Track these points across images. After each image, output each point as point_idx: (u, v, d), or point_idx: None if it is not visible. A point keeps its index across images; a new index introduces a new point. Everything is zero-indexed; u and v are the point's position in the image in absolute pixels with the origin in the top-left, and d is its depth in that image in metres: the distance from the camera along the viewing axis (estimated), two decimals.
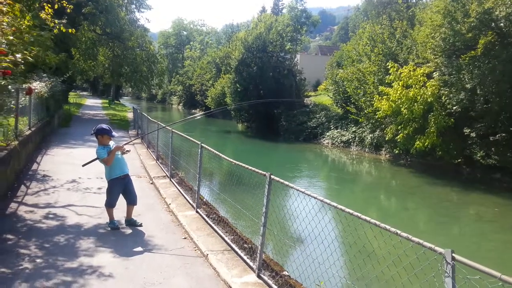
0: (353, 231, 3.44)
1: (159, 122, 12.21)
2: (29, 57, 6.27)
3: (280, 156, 26.96)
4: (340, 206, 3.44)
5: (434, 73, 20.15)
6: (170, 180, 9.38)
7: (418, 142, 19.25)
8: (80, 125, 22.51)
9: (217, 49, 50.60)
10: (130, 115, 32.96)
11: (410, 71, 20.64)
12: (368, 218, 3.12)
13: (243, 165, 5.07)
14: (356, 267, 3.67)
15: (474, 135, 18.27)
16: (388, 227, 2.91)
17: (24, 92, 8.91)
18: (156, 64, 36.24)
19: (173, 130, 9.64)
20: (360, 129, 27.07)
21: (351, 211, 3.28)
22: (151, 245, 5.67)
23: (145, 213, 7.13)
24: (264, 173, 4.57)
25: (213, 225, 6.17)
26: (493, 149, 17.67)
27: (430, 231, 12.48)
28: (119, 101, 65.45)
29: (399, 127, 20.67)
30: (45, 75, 15.58)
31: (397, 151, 22.07)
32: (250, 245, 5.36)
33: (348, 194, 17.38)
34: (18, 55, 5.99)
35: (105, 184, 6.67)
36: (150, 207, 7.57)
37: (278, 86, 36.27)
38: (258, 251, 4.54)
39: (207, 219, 6.47)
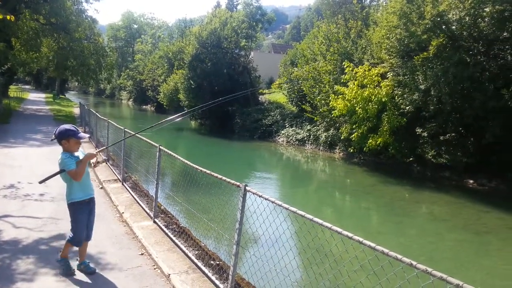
0: (308, 234, 3.06)
1: (109, 120, 11.31)
2: None
3: (235, 154, 26.52)
4: (308, 216, 3.03)
5: (389, 73, 20.49)
6: (123, 184, 8.63)
7: (371, 141, 19.51)
8: (21, 121, 20.84)
9: (169, 44, 49.10)
10: (76, 110, 31.20)
11: (365, 71, 20.89)
12: (320, 221, 2.76)
13: (215, 174, 4.52)
14: (311, 271, 3.29)
15: (426, 134, 18.73)
16: (346, 233, 2.55)
17: None
18: (105, 58, 34.45)
19: (125, 129, 8.88)
20: (315, 127, 27.19)
21: (310, 216, 2.89)
22: (102, 264, 5.01)
23: (95, 224, 6.40)
24: (238, 184, 4.06)
25: (174, 238, 5.58)
26: (443, 148, 18.20)
27: (387, 231, 12.52)
28: (65, 95, 62.15)
29: (354, 126, 20.88)
30: None
31: (351, 150, 22.29)
32: (217, 262, 4.86)
33: (303, 194, 17.25)
34: None
35: (49, 190, 5.78)
36: (101, 217, 6.82)
37: (233, 83, 35.78)
38: (231, 273, 4.04)
39: (166, 230, 5.87)
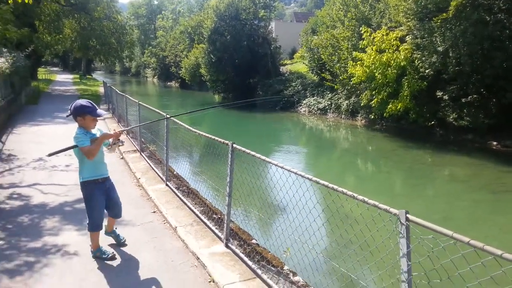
0: (313, 196, 3.37)
1: (128, 97, 11.83)
2: None
3: (257, 126, 26.87)
4: (300, 173, 3.35)
5: (407, 36, 20.10)
6: (141, 154, 9.18)
7: (391, 106, 19.39)
8: (48, 101, 21.78)
9: (189, 18, 49.09)
10: (101, 89, 32.05)
11: (383, 35, 20.55)
12: (326, 183, 3.05)
13: (206, 134, 4.93)
14: (317, 232, 3.63)
15: (447, 97, 18.47)
16: (345, 190, 2.84)
17: None
18: (125, 36, 34.97)
19: (139, 102, 9.35)
20: (336, 96, 27.08)
21: (309, 176, 3.20)
22: (119, 220, 5.52)
23: None
24: (227, 142, 4.44)
25: (182, 197, 6.06)
26: (465, 110, 17.94)
27: (405, 193, 12.72)
28: (91, 75, 63.61)
29: (374, 92, 20.74)
30: (5, 50, 14.81)
31: (372, 117, 22.22)
32: (219, 216, 5.30)
33: (326, 161, 17.50)
34: None
35: (74, 161, 6.07)
36: (120, 183, 7.35)
37: (253, 55, 35.77)
38: (225, 221, 4.46)
39: (176, 192, 6.35)
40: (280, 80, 34.38)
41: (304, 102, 29.79)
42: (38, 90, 27.71)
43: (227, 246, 4.47)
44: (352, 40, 23.73)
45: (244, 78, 35.12)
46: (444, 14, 17.14)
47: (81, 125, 4.22)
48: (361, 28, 21.67)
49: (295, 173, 3.41)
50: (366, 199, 2.64)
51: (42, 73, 47.91)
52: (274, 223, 5.71)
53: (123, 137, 4.60)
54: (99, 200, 4.38)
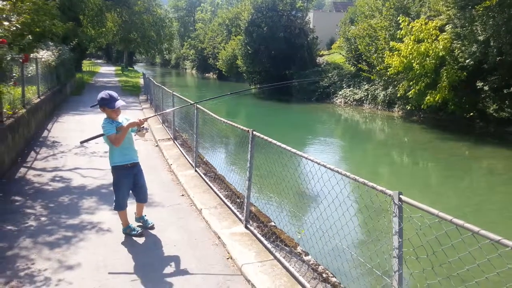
0: (328, 182, 3.55)
1: (163, 87, 12.33)
2: (17, 25, 6.34)
3: (293, 117, 26.94)
4: (310, 158, 3.55)
5: (447, 26, 19.53)
6: (174, 142, 9.61)
7: (429, 97, 18.97)
8: (92, 92, 22.80)
9: (227, 10, 49.57)
10: (142, 81, 33.14)
11: (421, 24, 20.05)
12: (332, 167, 3.24)
13: (229, 122, 5.20)
14: (328, 216, 3.83)
15: (487, 88, 17.87)
16: (348, 173, 3.03)
17: (20, 60, 9.10)
18: (164, 29, 35.85)
19: (173, 93, 9.76)
20: (373, 86, 26.71)
21: (323, 162, 3.40)
22: (150, 202, 5.92)
23: (147, 174, 7.35)
24: (247, 129, 4.70)
25: (209, 182, 6.39)
26: (507, 102, 17.32)
27: (438, 185, 12.55)
28: (133, 67, 65.57)
29: (411, 83, 20.34)
30: (52, 44, 15.72)
31: (409, 107, 21.81)
32: (241, 200, 5.57)
33: (361, 152, 17.43)
34: (6, 23, 6.03)
35: None
36: (153, 168, 7.83)
37: (289, 46, 35.73)
38: (245, 204, 4.74)
39: (204, 177, 6.69)
40: (316, 71, 34.20)
41: (340, 93, 29.56)
42: (82, 81, 29.05)
43: (246, 227, 4.74)
44: (389, 30, 23.29)
45: (280, 69, 35.16)
46: (487, 2, 16.54)
47: (107, 115, 4.58)
48: (399, 18, 21.21)
49: (306, 158, 3.61)
50: (366, 181, 2.82)
51: (86, 65, 49.97)
52: (291, 207, 5.92)
53: (146, 124, 4.88)
54: (125, 184, 4.75)
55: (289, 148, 3.92)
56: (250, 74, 37.88)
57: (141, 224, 5.11)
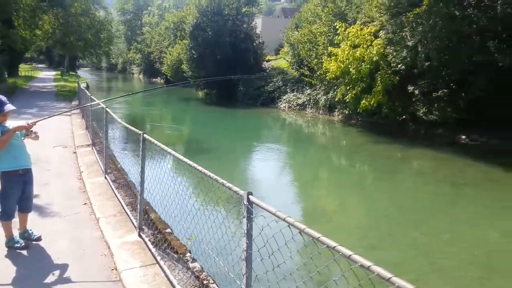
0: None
1: (85, 90, 11.82)
2: None
3: (238, 122, 26.99)
4: (189, 162, 3.41)
5: (380, 32, 20.26)
6: (92, 148, 9.19)
7: (364, 101, 19.54)
8: (20, 98, 21.58)
9: (172, 14, 48.88)
10: (82, 85, 31.89)
11: (357, 30, 20.68)
12: (198, 167, 3.11)
13: (124, 123, 5.00)
14: (214, 219, 3.70)
15: (417, 92, 18.66)
16: (204, 170, 2.91)
17: None
18: (103, 32, 34.69)
19: (91, 96, 9.34)
20: (315, 91, 27.21)
21: (194, 164, 3.26)
22: (47, 212, 5.56)
23: (54, 181, 6.97)
24: (139, 132, 4.50)
25: (114, 189, 6.11)
26: (435, 105, 18.16)
27: (366, 187, 12.89)
28: (75, 72, 63.07)
29: (348, 87, 20.88)
30: None
31: (347, 112, 22.40)
32: (146, 207, 5.34)
33: (302, 156, 17.71)
34: None
35: None
36: (62, 175, 7.41)
37: (235, 51, 35.68)
38: (138, 211, 4.53)
39: (111, 184, 6.39)
40: (261, 76, 34.41)
41: (284, 97, 29.89)
42: (15, 86, 27.43)
43: (139, 235, 4.52)
44: (328, 35, 23.84)
45: (226, 74, 34.92)
46: (417, 9, 17.32)
47: None
48: (336, 23, 21.79)
49: (187, 163, 3.46)
50: (218, 178, 2.71)
51: (25, 69, 47.32)
52: (185, 211, 5.79)
53: (35, 128, 4.60)
54: (14, 191, 4.46)
55: (173, 153, 3.76)
56: (196, 79, 37.46)
57: (26, 237, 4.72)
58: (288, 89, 30.35)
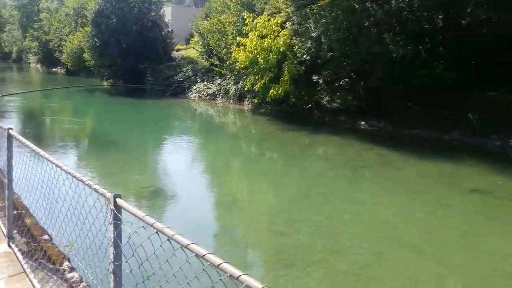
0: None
1: None
2: None
3: (147, 113, 26.05)
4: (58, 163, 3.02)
5: (287, 23, 20.70)
6: None
7: (272, 91, 19.88)
8: None
9: (73, 0, 45.42)
10: None
11: (265, 21, 20.91)
12: (64, 167, 2.77)
13: None
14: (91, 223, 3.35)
15: (321, 81, 19.41)
16: (70, 170, 2.59)
17: None
18: None
19: None
20: (225, 81, 27.11)
21: (60, 163, 2.89)
22: None
23: None
24: (4, 128, 3.94)
25: None
26: (337, 93, 19.05)
27: (271, 173, 13.13)
28: None
29: (257, 77, 21.08)
30: None
31: (256, 101, 22.66)
32: (21, 211, 4.76)
33: (214, 145, 17.62)
34: None
35: None
36: None
37: (142, 39, 34.33)
38: (6, 216, 3.99)
39: None
40: (171, 65, 33.48)
41: (195, 87, 29.39)
42: None
43: (9, 245, 4.00)
44: (237, 25, 23.81)
45: (133, 63, 33.55)
46: (321, 2, 17.92)
47: None
48: (243, 13, 21.81)
49: (52, 162, 3.06)
50: (84, 179, 2.41)
51: None
52: (66, 215, 5.36)
53: None
54: None
55: (39, 150, 3.32)
56: (100, 68, 35.37)
57: None
58: (198, 79, 29.89)
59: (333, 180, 11.98)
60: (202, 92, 28.39)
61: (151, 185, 11.04)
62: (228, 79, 26.56)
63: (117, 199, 2.20)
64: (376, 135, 17.13)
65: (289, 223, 8.65)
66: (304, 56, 19.25)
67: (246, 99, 25.12)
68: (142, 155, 15.23)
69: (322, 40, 18.12)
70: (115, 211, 2.19)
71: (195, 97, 28.85)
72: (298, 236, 7.96)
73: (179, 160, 14.69)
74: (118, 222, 2.21)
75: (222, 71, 25.70)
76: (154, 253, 2.04)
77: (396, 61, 16.35)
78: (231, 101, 26.14)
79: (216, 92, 27.50)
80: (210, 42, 26.65)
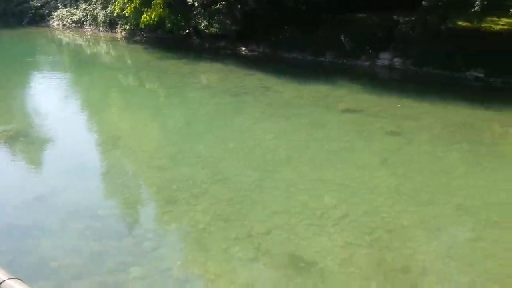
0: None
1: None
2: None
3: (4, 46, 22.60)
4: None
5: None
6: None
7: (145, 16, 18.34)
8: None
9: None
10: None
11: None
12: None
13: None
14: None
15: (197, 4, 18.38)
16: None
17: None
18: None
19: None
20: (91, 5, 24.29)
21: None
22: None
23: None
24: None
25: None
26: (215, 18, 18.34)
27: (152, 105, 12.61)
28: None
29: (126, 0, 19.15)
30: None
31: (129, 28, 20.92)
32: None
33: (88, 80, 16.26)
34: None
35: None
36: None
37: None
38: None
39: None
40: None
41: (56, 14, 25.91)
42: None
43: None
44: None
45: None
46: None
47: None
48: None
49: None
50: None
51: None
52: None
53: None
54: None
55: None
56: None
57: None
58: (59, 4, 26.31)
59: (215, 108, 11.89)
60: (66, 19, 25.20)
61: (23, 129, 9.87)
62: (95, 3, 23.83)
63: None
64: (257, 60, 17.17)
65: (172, 157, 8.44)
66: None
67: (118, 26, 22.95)
68: (6, 97, 13.30)
69: None
70: None
71: (58, 25, 25.55)
72: (181, 169, 7.80)
73: (51, 99, 13.36)
74: None
75: None
76: None
77: None
78: (101, 28, 23.72)
79: (83, 19, 24.63)
80: None
